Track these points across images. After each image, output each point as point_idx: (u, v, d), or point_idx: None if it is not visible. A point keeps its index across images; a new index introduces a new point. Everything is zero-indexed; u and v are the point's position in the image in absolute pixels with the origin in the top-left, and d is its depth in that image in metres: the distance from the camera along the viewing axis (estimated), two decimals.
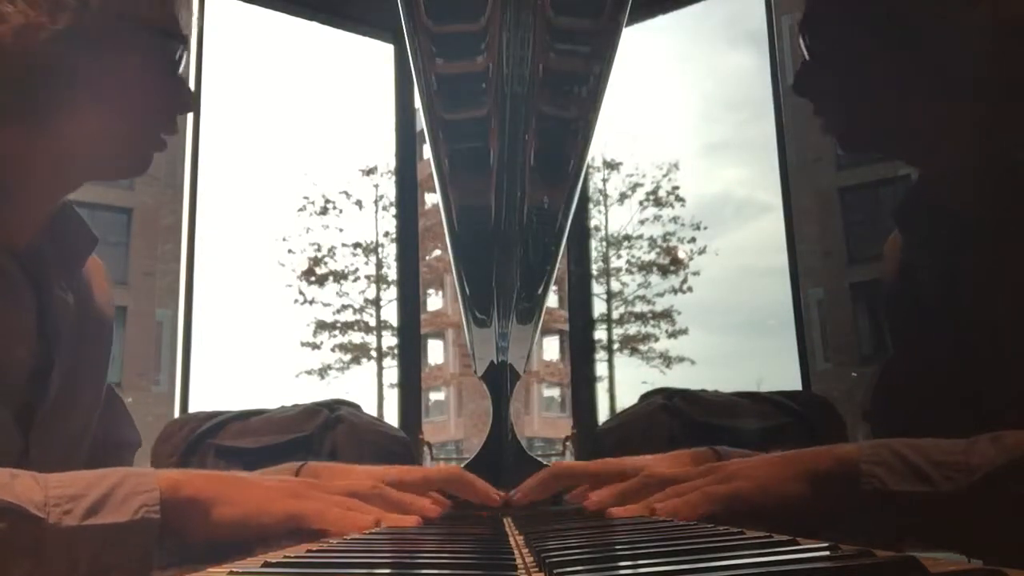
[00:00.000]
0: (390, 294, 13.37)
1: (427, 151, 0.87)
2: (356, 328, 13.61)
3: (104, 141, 0.86)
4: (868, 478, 0.68)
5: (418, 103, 0.76)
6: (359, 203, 13.95)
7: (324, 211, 13.85)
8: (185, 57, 0.91)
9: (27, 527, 0.61)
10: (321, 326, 13.47)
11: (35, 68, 0.79)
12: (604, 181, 13.74)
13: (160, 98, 0.88)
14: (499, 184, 0.84)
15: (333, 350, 13.47)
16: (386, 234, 13.75)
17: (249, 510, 0.71)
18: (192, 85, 0.93)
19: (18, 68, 0.79)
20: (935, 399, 0.91)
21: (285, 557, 0.50)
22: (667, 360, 13.34)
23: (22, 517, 0.61)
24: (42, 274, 0.86)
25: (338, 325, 13.53)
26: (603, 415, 3.20)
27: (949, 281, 0.92)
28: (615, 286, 13.59)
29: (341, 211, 13.90)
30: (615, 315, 13.44)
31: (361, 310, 13.62)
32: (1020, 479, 0.63)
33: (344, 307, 13.57)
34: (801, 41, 0.94)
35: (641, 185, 14.01)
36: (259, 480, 0.76)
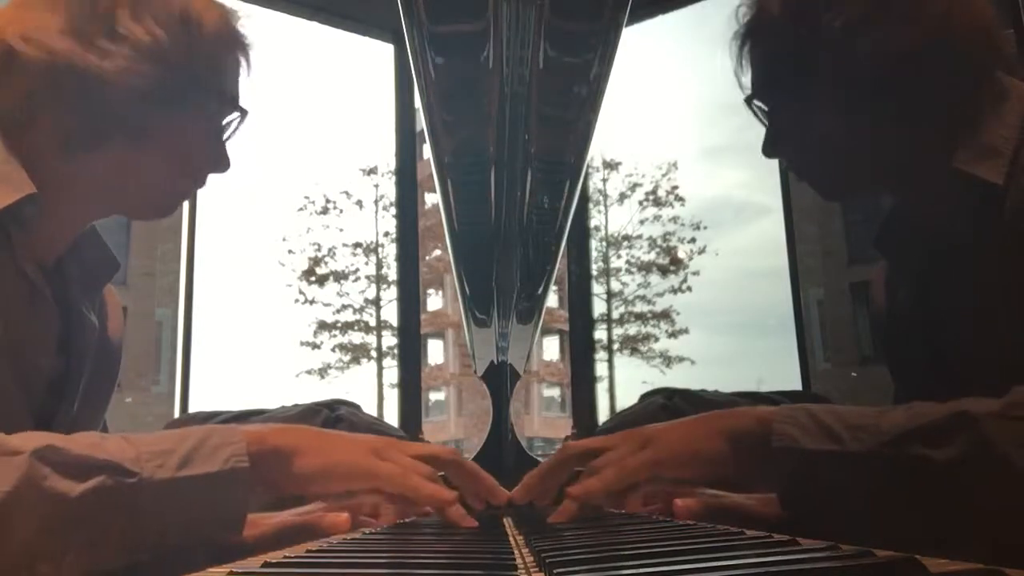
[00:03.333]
0: (390, 294, 13.36)
1: (427, 151, 0.87)
2: (356, 328, 13.61)
3: (143, 186, 0.87)
4: (780, 436, 0.70)
5: (418, 103, 0.76)
6: (359, 203, 13.96)
7: (324, 211, 13.86)
8: (236, 125, 0.93)
9: (124, 481, 0.63)
10: (321, 326, 13.47)
11: (114, 106, 0.81)
12: (604, 181, 13.74)
13: (204, 157, 0.89)
14: (499, 184, 0.84)
15: (333, 350, 13.48)
16: (386, 234, 13.76)
17: (332, 460, 0.73)
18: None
19: (101, 101, 0.80)
20: None
21: (285, 557, 0.50)
22: (667, 360, 13.34)
23: (118, 472, 0.63)
24: (67, 291, 0.88)
25: (338, 325, 13.53)
26: (603, 415, 3.20)
27: (926, 305, 0.93)
28: (615, 286, 13.59)
29: (341, 211, 13.91)
30: (615, 315, 13.44)
31: (361, 310, 13.61)
32: (926, 443, 0.65)
33: (344, 307, 13.57)
34: (752, 104, 0.96)
35: (640, 185, 14.02)
36: (342, 435, 0.77)
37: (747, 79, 0.96)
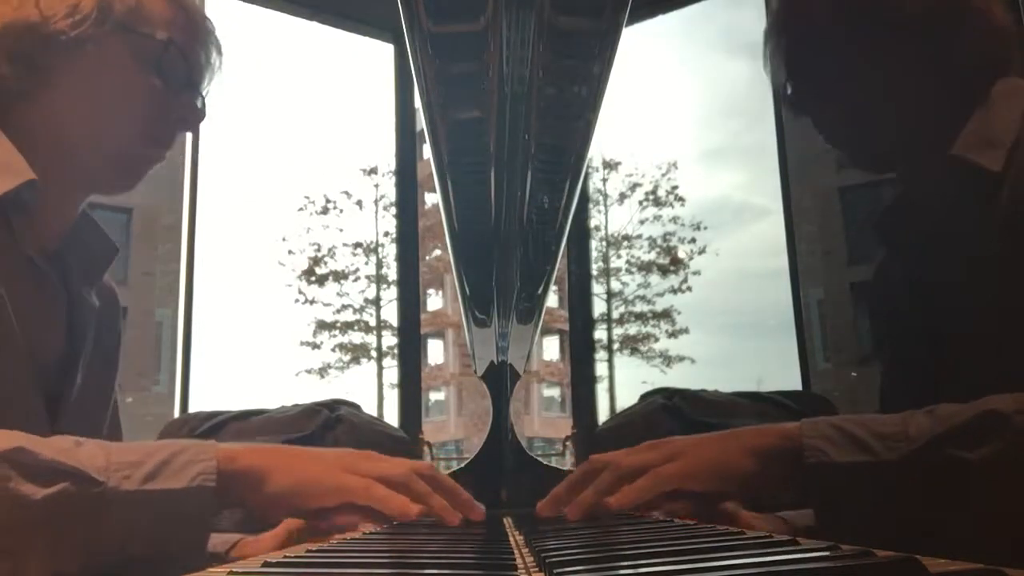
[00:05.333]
0: (390, 294, 13.35)
1: (427, 151, 0.87)
2: (356, 328, 13.60)
3: (96, 147, 0.88)
4: (812, 451, 0.70)
5: (418, 103, 0.75)
6: (359, 203, 13.95)
7: (324, 211, 13.85)
8: (201, 78, 0.95)
9: (88, 490, 0.64)
10: (321, 326, 13.46)
11: (47, 52, 0.83)
12: (604, 181, 13.75)
13: (150, 110, 0.90)
14: (499, 184, 0.84)
15: (333, 350, 13.47)
16: (386, 234, 13.75)
17: (301, 479, 0.73)
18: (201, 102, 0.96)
19: (35, 46, 0.83)
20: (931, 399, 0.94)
21: (285, 557, 0.50)
22: (667, 360, 13.34)
23: (84, 480, 0.64)
24: (69, 276, 0.90)
25: (338, 325, 13.52)
26: (603, 415, 3.20)
27: (924, 290, 0.95)
28: (615, 286, 13.59)
29: (342, 211, 13.91)
30: (615, 315, 13.43)
31: (361, 310, 13.61)
32: (957, 444, 0.66)
33: (344, 307, 13.57)
34: (776, 66, 1.00)
35: (640, 185, 14.02)
36: (314, 452, 0.78)
37: (779, 74, 1.00)
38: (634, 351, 13.33)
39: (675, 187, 14.00)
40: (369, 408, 2.24)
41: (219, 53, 0.98)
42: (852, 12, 0.91)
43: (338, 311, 13.57)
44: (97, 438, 0.94)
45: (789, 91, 0.99)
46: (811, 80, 0.97)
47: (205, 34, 0.96)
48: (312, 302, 13.54)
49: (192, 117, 0.94)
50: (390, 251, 13.52)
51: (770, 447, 0.74)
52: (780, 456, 0.73)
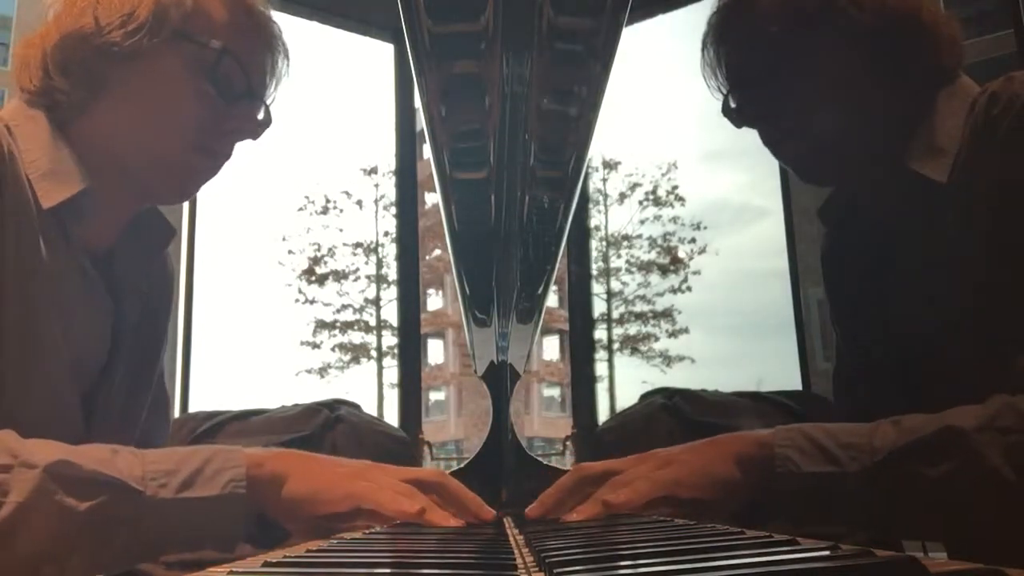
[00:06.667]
0: (390, 294, 13.34)
1: (427, 151, 0.87)
2: (356, 328, 13.58)
3: (154, 157, 0.87)
4: (783, 460, 0.74)
5: (418, 103, 0.76)
6: (359, 203, 13.94)
7: (324, 211, 13.84)
8: (262, 86, 0.94)
9: (128, 499, 0.66)
10: (321, 326, 13.45)
11: (101, 62, 0.83)
12: (604, 181, 13.73)
13: (203, 120, 0.88)
14: (499, 184, 0.84)
15: (333, 350, 13.46)
16: (386, 234, 13.73)
17: (316, 486, 0.74)
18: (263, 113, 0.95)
19: (89, 56, 0.83)
20: (873, 384, 0.99)
21: (285, 557, 0.50)
22: (667, 360, 13.32)
23: (123, 490, 0.66)
24: (115, 276, 0.91)
25: (338, 325, 13.51)
26: (603, 415, 3.20)
27: (864, 271, 1.00)
28: (615, 286, 13.57)
29: (342, 211, 13.89)
30: (615, 315, 13.42)
31: (361, 310, 13.59)
32: (917, 458, 0.69)
33: (344, 307, 13.55)
34: (717, 77, 0.99)
35: (640, 185, 14.00)
36: (331, 460, 0.80)
37: (718, 81, 1.00)
38: (634, 351, 13.31)
39: (675, 187, 13.96)
40: (369, 408, 2.24)
41: (286, 59, 0.95)
42: (797, 22, 0.90)
43: (338, 311, 13.56)
44: (132, 429, 0.97)
45: (733, 104, 0.98)
46: (755, 93, 0.96)
47: (269, 40, 0.93)
48: (312, 302, 13.52)
49: (250, 127, 0.92)
50: (390, 251, 13.51)
51: (747, 455, 0.76)
52: (758, 463, 0.75)
